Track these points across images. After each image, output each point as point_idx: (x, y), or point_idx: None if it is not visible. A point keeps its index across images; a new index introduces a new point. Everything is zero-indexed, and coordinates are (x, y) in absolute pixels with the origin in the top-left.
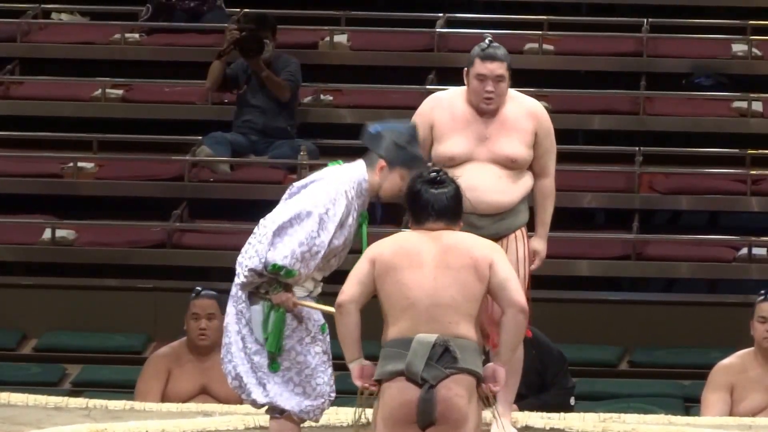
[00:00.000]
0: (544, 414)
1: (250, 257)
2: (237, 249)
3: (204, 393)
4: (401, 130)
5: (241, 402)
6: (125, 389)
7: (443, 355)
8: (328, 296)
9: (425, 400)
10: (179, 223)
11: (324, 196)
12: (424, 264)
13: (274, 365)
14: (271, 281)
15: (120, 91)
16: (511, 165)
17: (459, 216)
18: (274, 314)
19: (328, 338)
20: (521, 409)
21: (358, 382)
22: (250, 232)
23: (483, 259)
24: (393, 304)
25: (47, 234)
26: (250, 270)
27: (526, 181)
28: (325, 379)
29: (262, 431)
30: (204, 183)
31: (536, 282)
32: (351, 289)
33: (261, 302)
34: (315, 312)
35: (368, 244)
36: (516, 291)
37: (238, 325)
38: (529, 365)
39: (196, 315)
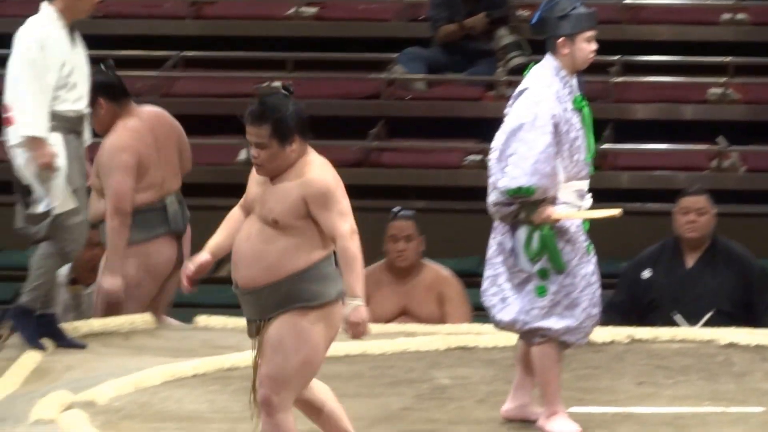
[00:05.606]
0: (751, 329)
1: (491, 192)
2: (434, 167)
3: (405, 314)
4: (555, 2)
5: (442, 322)
6: None
7: None
8: None
9: None
10: (377, 142)
11: (527, 103)
12: None
13: (540, 289)
14: (525, 205)
15: (314, 9)
16: None
17: None
18: (537, 234)
19: (594, 259)
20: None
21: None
22: (447, 150)
23: None
24: None
25: (242, 155)
26: (495, 204)
27: None
28: (592, 300)
29: (463, 352)
30: (400, 101)
31: (729, 198)
32: None
33: (522, 227)
34: (580, 233)
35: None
36: None
37: (501, 256)
38: (732, 282)
39: (394, 237)
